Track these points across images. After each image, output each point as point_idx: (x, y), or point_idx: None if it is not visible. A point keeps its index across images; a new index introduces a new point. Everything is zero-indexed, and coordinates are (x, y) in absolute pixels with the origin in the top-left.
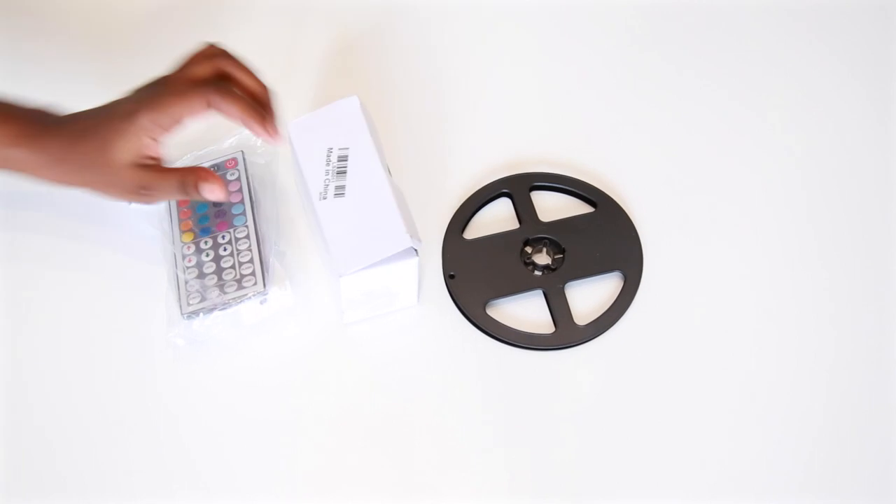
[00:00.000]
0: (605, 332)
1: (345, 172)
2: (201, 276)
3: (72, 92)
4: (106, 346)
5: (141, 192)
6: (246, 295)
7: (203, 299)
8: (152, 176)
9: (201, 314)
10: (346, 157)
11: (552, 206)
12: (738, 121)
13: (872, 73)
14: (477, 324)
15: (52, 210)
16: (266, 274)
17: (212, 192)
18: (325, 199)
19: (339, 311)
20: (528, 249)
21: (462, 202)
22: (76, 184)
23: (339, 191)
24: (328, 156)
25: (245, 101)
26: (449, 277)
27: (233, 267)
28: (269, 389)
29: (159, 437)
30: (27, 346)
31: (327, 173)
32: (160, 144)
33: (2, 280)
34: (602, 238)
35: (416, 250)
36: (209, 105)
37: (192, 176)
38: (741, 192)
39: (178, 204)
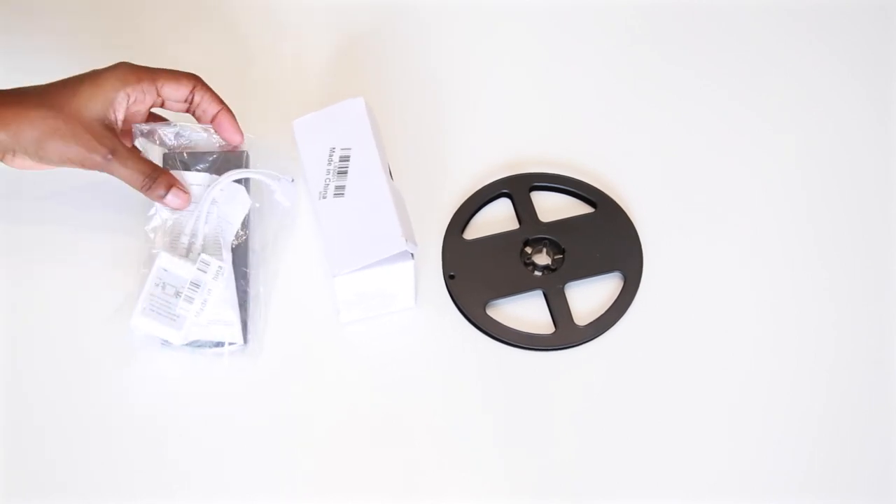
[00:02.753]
0: (605, 332)
1: (346, 173)
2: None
3: None
4: (103, 344)
5: (103, 156)
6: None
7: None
8: (120, 144)
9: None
10: (348, 157)
11: (552, 207)
12: (738, 121)
13: (872, 73)
14: (477, 324)
15: (46, 200)
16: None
17: (175, 202)
18: (324, 198)
19: (335, 310)
20: (528, 250)
21: (462, 202)
22: (36, 131)
23: (339, 191)
24: (330, 155)
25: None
26: (449, 278)
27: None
28: (269, 390)
29: (158, 438)
30: (24, 347)
31: (328, 172)
32: (135, 107)
33: None
34: (602, 238)
35: (411, 254)
36: (194, 87)
37: (164, 175)
38: (741, 192)
39: None
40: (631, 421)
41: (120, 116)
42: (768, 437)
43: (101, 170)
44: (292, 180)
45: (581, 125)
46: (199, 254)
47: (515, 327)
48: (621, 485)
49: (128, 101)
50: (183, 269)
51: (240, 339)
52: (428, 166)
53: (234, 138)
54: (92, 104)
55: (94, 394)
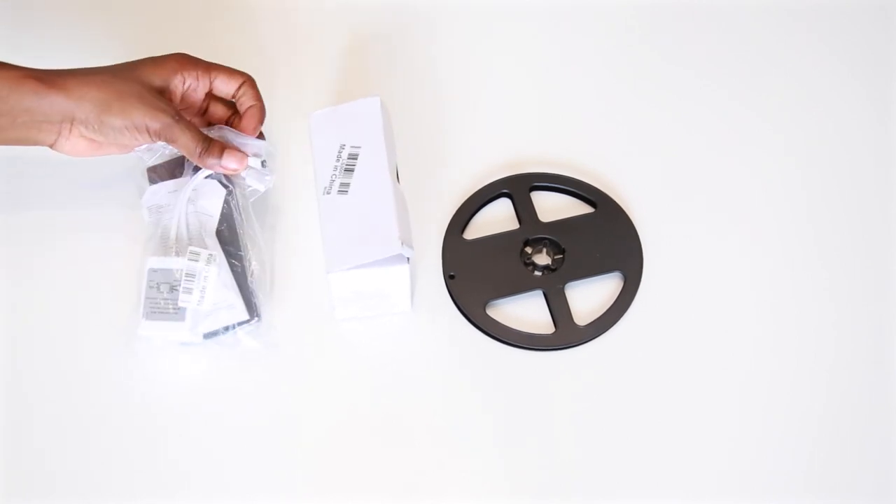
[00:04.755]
0: (605, 332)
1: (352, 171)
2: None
3: None
4: (100, 344)
5: (171, 116)
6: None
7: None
8: (177, 113)
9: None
10: (357, 155)
11: (552, 207)
12: (738, 121)
13: (872, 73)
14: (477, 324)
15: (50, 204)
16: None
17: (232, 163)
18: (328, 194)
19: (330, 306)
20: (528, 250)
21: (462, 202)
22: (93, 102)
23: (344, 188)
24: (339, 152)
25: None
26: (449, 278)
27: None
28: (269, 389)
29: (154, 438)
30: (22, 347)
31: (335, 169)
32: (189, 94)
33: None
34: (602, 238)
35: (407, 259)
36: (245, 82)
37: (216, 141)
38: (741, 193)
39: None
40: (631, 421)
41: (175, 98)
42: (769, 437)
43: (160, 136)
44: (263, 163)
45: (581, 125)
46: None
47: (515, 327)
48: (621, 485)
49: (183, 86)
50: (172, 264)
51: (247, 316)
52: (428, 166)
53: (249, 130)
54: (153, 77)
55: (88, 393)
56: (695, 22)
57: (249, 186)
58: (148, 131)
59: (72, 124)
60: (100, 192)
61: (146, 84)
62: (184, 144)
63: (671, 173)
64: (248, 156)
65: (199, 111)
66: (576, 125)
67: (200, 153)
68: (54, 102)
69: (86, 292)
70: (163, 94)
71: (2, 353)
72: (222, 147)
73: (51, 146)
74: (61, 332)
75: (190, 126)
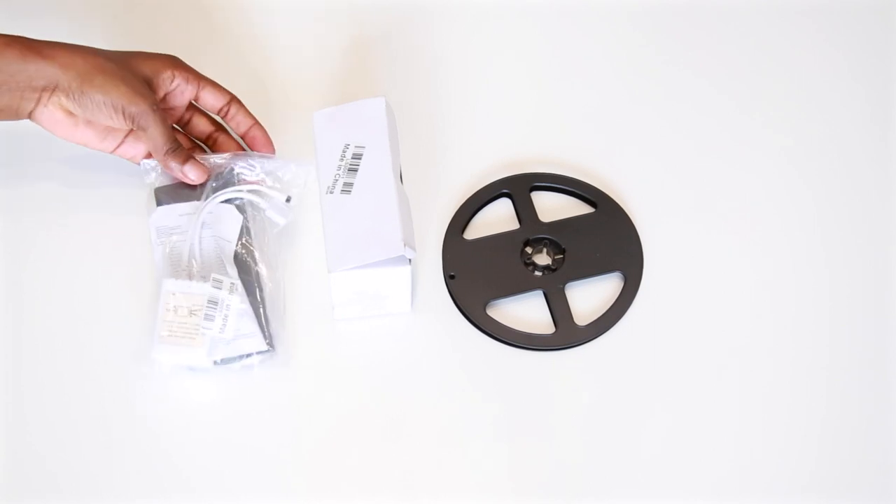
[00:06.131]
0: (605, 332)
1: (356, 171)
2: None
3: None
4: (99, 349)
5: (149, 104)
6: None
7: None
8: (156, 104)
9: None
10: (361, 155)
11: (552, 207)
12: (738, 121)
13: (873, 73)
14: (477, 324)
15: (53, 209)
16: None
17: (192, 173)
18: (331, 193)
19: (330, 306)
20: (529, 250)
21: (462, 202)
22: (81, 74)
23: (347, 188)
24: (343, 152)
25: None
26: (449, 278)
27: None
28: (270, 389)
29: (152, 440)
30: (24, 348)
31: (339, 168)
32: (174, 95)
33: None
34: (602, 238)
35: (409, 260)
36: (231, 99)
37: (183, 147)
38: (741, 193)
39: None
40: (631, 421)
41: (159, 93)
42: (769, 436)
43: (134, 121)
44: (288, 199)
45: (581, 125)
46: (199, 274)
47: (515, 327)
48: (622, 485)
49: (171, 84)
50: (191, 289)
51: (265, 347)
52: (428, 166)
53: (267, 151)
54: (143, 66)
55: (87, 395)
56: (695, 22)
57: (270, 218)
58: (123, 113)
59: (53, 92)
60: (103, 195)
61: (133, 69)
62: (153, 136)
63: (671, 173)
64: (210, 173)
65: (180, 120)
66: (576, 125)
67: (166, 152)
68: (40, 68)
69: (90, 303)
70: (150, 82)
71: (5, 367)
72: (188, 157)
73: (29, 116)
74: (64, 343)
75: (165, 121)
